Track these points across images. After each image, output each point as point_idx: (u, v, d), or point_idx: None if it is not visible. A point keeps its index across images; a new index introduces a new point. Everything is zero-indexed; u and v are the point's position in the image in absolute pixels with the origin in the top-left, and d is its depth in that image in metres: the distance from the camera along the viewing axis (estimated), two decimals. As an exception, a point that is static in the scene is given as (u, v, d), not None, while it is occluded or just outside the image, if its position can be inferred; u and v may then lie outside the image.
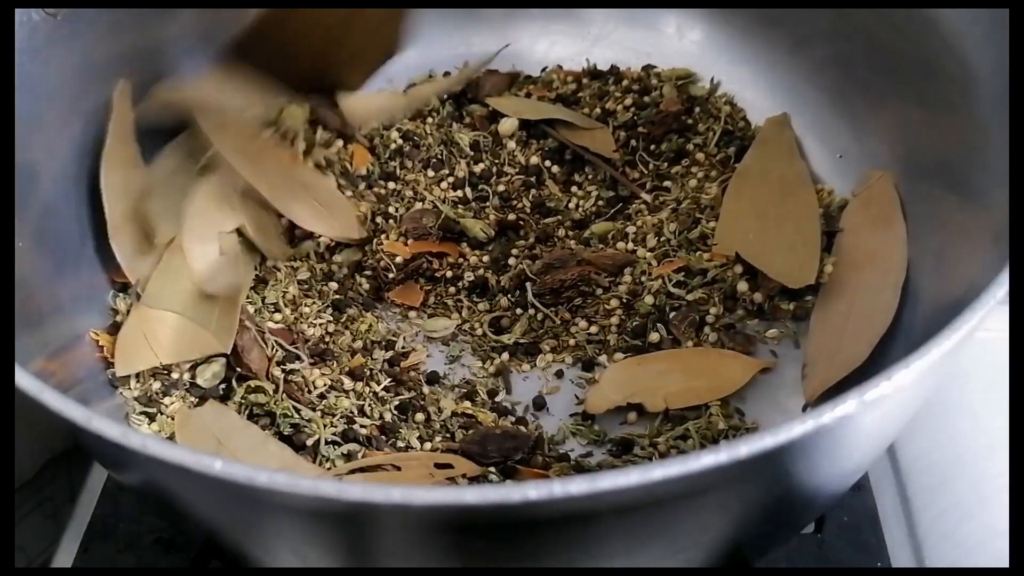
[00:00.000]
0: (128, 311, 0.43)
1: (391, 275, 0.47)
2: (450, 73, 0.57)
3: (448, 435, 0.41)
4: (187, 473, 0.22)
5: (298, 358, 0.43)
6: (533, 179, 0.51)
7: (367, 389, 0.43)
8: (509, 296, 0.47)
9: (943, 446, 0.46)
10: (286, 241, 0.48)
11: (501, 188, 0.51)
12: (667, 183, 0.51)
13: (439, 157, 0.52)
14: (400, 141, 0.53)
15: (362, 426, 0.41)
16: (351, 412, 0.42)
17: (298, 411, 0.40)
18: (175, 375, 0.42)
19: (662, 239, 0.48)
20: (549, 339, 0.46)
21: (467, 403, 0.43)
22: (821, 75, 0.50)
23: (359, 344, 0.45)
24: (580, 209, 0.51)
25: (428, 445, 0.41)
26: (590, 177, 0.52)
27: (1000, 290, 0.24)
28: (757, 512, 0.27)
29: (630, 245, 0.48)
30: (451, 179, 0.51)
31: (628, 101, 0.54)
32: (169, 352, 0.42)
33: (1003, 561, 0.42)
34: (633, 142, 0.52)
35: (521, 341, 0.45)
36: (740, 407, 0.41)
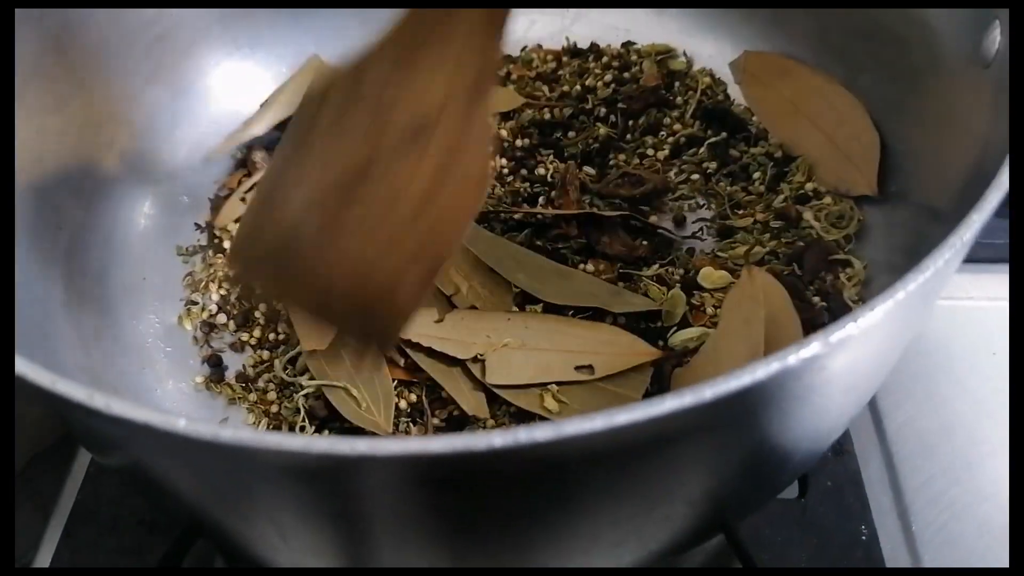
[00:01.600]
0: None
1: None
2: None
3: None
4: (153, 433, 0.22)
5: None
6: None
7: None
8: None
9: (929, 413, 0.46)
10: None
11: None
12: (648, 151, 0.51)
13: None
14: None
15: None
16: None
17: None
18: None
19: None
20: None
21: None
22: (800, 46, 0.50)
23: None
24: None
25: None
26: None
27: (967, 233, 0.24)
28: (732, 467, 0.27)
29: None
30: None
31: (608, 78, 0.54)
32: None
33: (988, 526, 0.42)
34: (613, 117, 0.52)
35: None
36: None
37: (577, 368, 0.41)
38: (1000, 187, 0.24)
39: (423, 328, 0.42)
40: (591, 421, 0.21)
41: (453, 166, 0.29)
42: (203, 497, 0.30)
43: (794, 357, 0.21)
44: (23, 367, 0.24)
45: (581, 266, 0.46)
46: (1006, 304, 0.50)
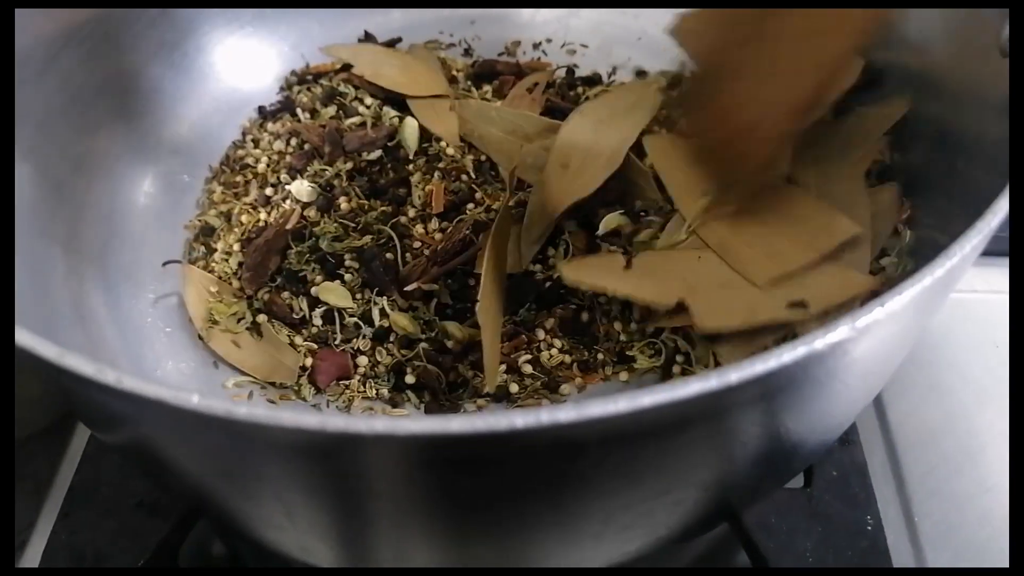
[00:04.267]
0: None
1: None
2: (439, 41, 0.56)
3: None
4: (164, 409, 0.22)
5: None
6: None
7: None
8: None
9: (931, 404, 0.46)
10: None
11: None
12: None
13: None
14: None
15: None
16: None
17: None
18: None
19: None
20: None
21: None
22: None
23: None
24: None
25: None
26: None
27: (994, 219, 0.23)
28: (745, 453, 0.27)
29: None
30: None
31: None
32: None
33: (990, 517, 0.42)
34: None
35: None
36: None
37: (790, 306, 0.35)
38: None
39: (612, 277, 0.38)
40: (615, 404, 0.20)
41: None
42: (209, 475, 0.29)
43: (821, 341, 0.21)
44: (29, 340, 0.24)
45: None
46: (1007, 297, 0.50)
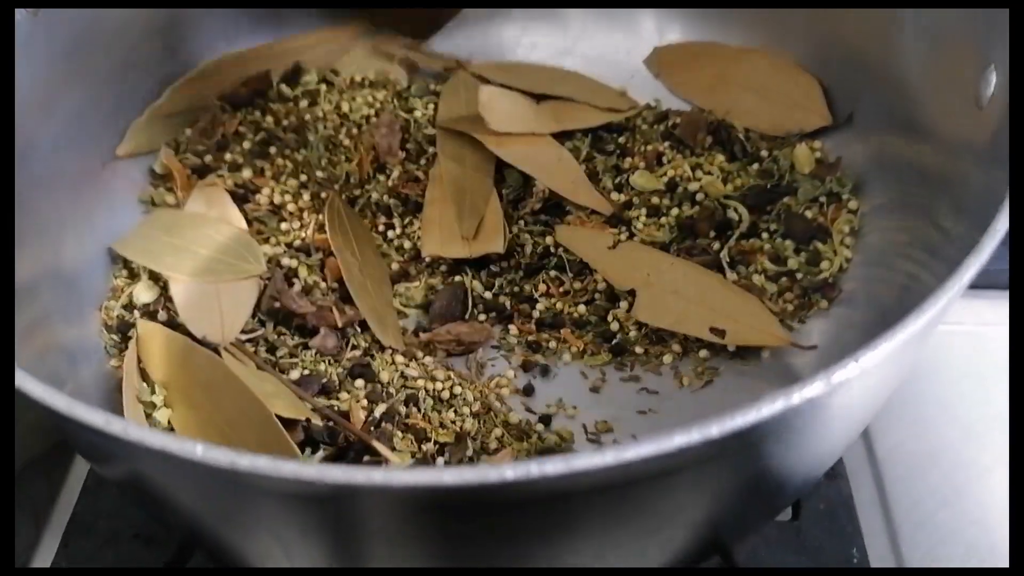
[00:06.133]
0: None
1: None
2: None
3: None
4: (169, 458, 0.22)
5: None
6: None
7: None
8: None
9: (918, 436, 0.47)
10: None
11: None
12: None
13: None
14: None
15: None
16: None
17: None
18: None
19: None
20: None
21: None
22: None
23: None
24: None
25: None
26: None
27: (968, 273, 0.24)
28: (732, 493, 0.28)
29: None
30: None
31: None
32: None
33: (976, 549, 0.43)
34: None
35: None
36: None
37: (712, 329, 0.43)
38: (995, 235, 0.25)
39: (595, 250, 0.46)
40: (601, 456, 0.21)
41: None
42: (208, 514, 0.30)
43: (798, 396, 0.22)
44: (38, 389, 0.25)
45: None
46: (994, 330, 0.51)
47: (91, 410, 0.23)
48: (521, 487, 0.22)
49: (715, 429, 0.21)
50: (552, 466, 0.21)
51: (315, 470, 0.22)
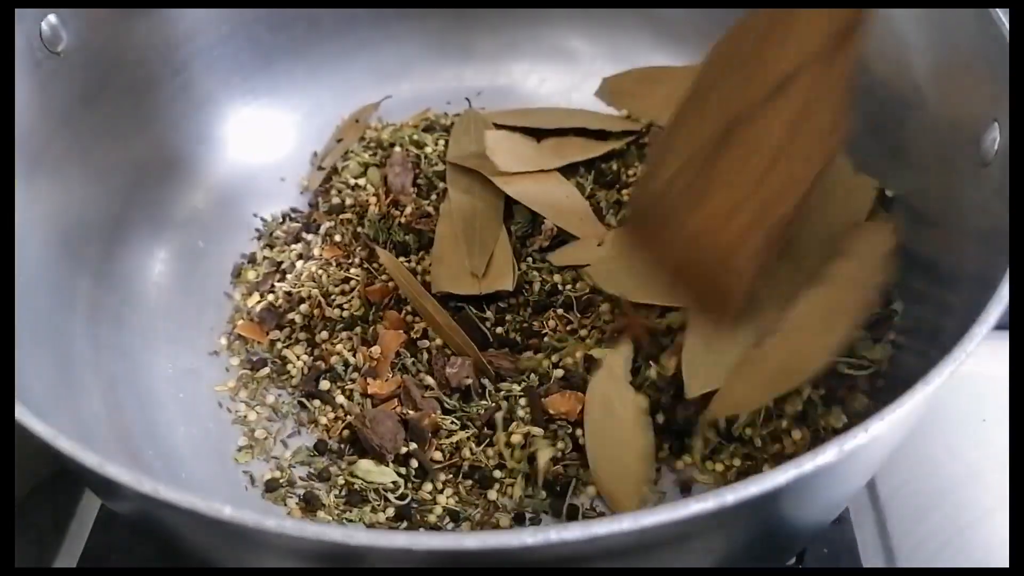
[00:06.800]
0: None
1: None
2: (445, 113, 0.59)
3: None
4: (197, 517, 0.23)
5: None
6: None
7: None
8: None
9: (921, 478, 0.48)
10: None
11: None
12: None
13: None
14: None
15: None
16: None
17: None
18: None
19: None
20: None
21: None
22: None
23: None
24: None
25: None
26: None
27: (970, 344, 0.25)
28: (741, 548, 0.29)
29: None
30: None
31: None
32: None
33: (978, 591, 0.44)
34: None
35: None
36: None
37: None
38: (1000, 300, 0.26)
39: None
40: (619, 522, 0.22)
41: (805, 121, 0.32)
42: (225, 560, 0.30)
43: (811, 464, 0.23)
44: (66, 445, 0.25)
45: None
46: (995, 372, 0.52)
47: (122, 469, 0.24)
48: (541, 551, 0.22)
49: (730, 497, 0.22)
50: (571, 532, 0.22)
51: (341, 533, 0.22)
